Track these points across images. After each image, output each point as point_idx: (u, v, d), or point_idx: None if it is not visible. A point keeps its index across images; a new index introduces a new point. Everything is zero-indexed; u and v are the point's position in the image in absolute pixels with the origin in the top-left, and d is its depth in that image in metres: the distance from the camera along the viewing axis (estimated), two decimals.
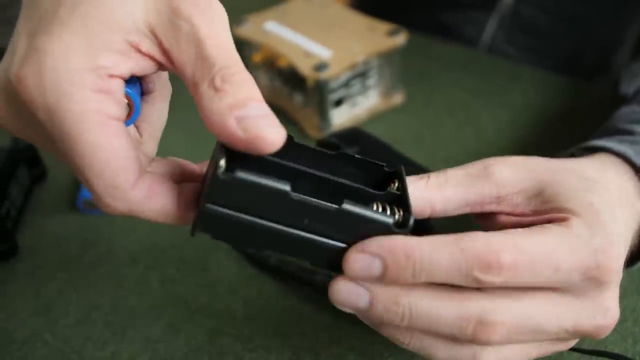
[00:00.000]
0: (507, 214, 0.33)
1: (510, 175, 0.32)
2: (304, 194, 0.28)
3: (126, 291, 0.45)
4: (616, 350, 0.39)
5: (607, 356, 0.36)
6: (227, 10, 0.29)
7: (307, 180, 0.29)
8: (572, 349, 0.34)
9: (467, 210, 0.33)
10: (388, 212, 0.29)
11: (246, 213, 0.27)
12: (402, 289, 0.28)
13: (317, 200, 0.28)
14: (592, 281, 0.29)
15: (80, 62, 0.26)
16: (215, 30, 0.27)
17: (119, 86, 0.28)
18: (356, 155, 0.31)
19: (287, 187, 0.27)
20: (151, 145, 0.33)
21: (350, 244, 0.29)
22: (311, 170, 0.30)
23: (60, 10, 0.27)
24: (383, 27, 0.61)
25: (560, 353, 0.33)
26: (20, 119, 0.28)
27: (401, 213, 0.29)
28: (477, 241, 0.28)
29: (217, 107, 0.26)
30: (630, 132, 0.39)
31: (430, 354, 0.30)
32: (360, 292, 0.29)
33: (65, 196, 0.53)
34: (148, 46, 0.28)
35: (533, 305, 0.29)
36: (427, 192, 0.32)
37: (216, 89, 0.26)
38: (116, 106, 0.27)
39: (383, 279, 0.28)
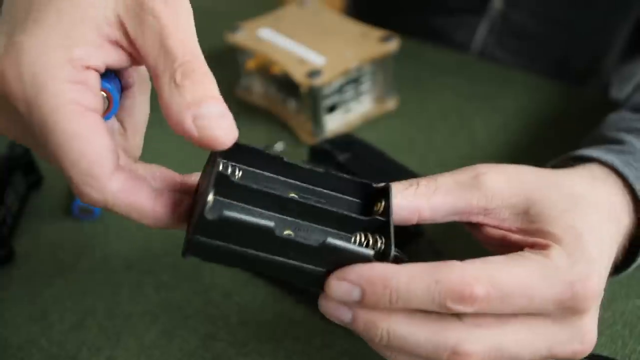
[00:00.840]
0: (494, 227, 0.34)
1: (499, 188, 0.33)
2: (292, 217, 0.30)
3: (121, 297, 0.45)
4: (605, 353, 0.39)
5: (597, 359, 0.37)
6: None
7: (295, 206, 0.31)
8: None
9: (455, 218, 0.33)
10: (370, 242, 0.31)
11: (233, 244, 0.29)
12: (380, 312, 0.29)
13: (301, 236, 0.29)
14: (568, 310, 0.30)
15: (55, 55, 0.27)
16: (178, 24, 0.28)
17: (94, 78, 0.29)
18: (344, 175, 0.33)
19: (271, 224, 0.28)
20: (136, 139, 0.33)
21: (334, 270, 0.30)
22: (298, 199, 0.31)
23: (35, 9, 0.28)
24: (376, 33, 0.61)
25: None
26: (6, 115, 0.29)
27: (383, 240, 0.31)
28: (453, 273, 0.29)
29: (176, 103, 0.27)
30: (618, 142, 0.39)
31: None
32: (344, 309, 0.30)
33: (61, 203, 0.53)
34: (119, 38, 0.29)
35: (507, 334, 0.30)
36: (415, 201, 0.32)
37: (176, 85, 0.27)
38: (93, 98, 0.28)
39: (362, 304, 0.29)
